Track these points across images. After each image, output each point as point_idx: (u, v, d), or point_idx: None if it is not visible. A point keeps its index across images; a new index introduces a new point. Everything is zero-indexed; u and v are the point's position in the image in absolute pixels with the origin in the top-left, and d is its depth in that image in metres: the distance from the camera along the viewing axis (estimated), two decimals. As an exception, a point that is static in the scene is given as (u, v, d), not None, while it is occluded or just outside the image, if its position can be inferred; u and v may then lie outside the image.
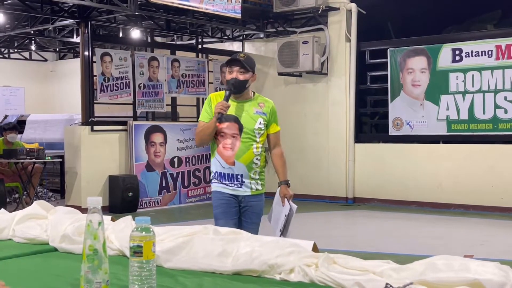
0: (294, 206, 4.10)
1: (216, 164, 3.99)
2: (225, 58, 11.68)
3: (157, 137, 10.07)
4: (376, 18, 10.47)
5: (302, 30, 10.85)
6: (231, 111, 3.91)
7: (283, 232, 4.02)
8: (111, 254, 2.10)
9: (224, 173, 3.96)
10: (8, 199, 9.47)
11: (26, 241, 2.52)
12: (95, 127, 9.38)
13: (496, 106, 9.19)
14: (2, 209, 2.81)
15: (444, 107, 9.62)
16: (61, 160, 10.11)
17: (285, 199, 4.08)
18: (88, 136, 9.32)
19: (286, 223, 4.04)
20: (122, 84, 9.77)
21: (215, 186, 4.01)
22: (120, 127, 9.76)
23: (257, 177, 4.00)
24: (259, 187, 4.02)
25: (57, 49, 14.44)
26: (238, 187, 3.96)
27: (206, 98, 12.40)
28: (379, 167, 10.18)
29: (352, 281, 1.77)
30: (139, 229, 1.68)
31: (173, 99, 10.99)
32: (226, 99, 3.87)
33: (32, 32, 11.28)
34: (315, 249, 2.11)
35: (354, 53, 10.40)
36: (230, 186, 3.96)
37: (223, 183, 3.97)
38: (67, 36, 12.04)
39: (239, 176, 3.95)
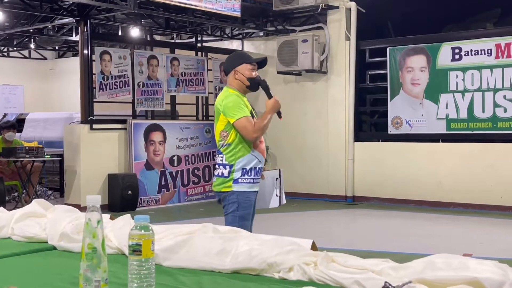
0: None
1: (252, 160, 4.00)
2: (224, 56, 11.65)
3: (157, 136, 10.07)
4: (375, 16, 10.47)
5: (301, 28, 10.84)
6: (248, 106, 4.05)
7: (280, 197, 4.11)
8: (109, 253, 2.10)
9: (259, 168, 4.04)
10: (7, 198, 9.47)
11: (25, 239, 2.53)
12: (95, 126, 9.38)
13: (496, 105, 9.19)
14: (1, 207, 2.81)
15: (443, 106, 9.62)
16: (60, 158, 10.11)
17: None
18: (88, 135, 9.32)
19: (280, 185, 4.14)
20: (121, 82, 9.76)
21: (246, 186, 3.99)
22: (119, 126, 9.75)
23: None
24: None
25: (57, 48, 14.43)
26: (259, 181, 4.08)
27: (205, 97, 12.07)
28: (378, 165, 10.18)
29: (351, 279, 1.77)
30: (138, 227, 1.68)
31: (173, 98, 10.99)
32: (271, 95, 4.09)
33: (31, 30, 11.27)
34: (313, 247, 2.11)
35: (354, 52, 10.39)
36: (257, 182, 4.04)
37: (255, 180, 4.00)
38: (66, 35, 12.03)
39: (263, 168, 4.13)
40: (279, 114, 4.07)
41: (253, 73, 4.08)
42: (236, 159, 3.97)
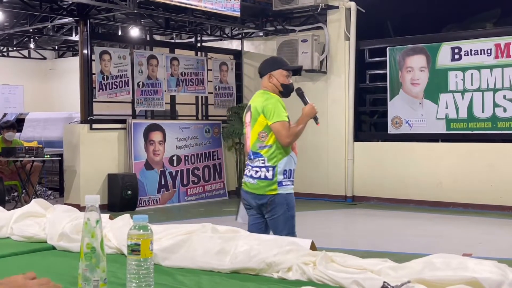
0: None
1: (290, 162, 4.06)
2: (224, 56, 11.70)
3: (156, 136, 10.07)
4: (375, 16, 10.46)
5: (301, 28, 10.84)
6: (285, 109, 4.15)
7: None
8: (109, 252, 2.10)
9: (294, 169, 4.12)
10: (7, 198, 9.47)
11: (24, 239, 2.52)
12: (94, 126, 9.38)
13: (495, 105, 9.19)
14: (1, 207, 2.80)
15: (443, 106, 9.62)
16: (60, 158, 10.11)
17: None
18: (87, 135, 9.32)
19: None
20: (121, 82, 9.76)
21: (289, 188, 4.07)
22: (119, 126, 9.75)
23: None
24: None
25: (56, 47, 14.43)
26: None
27: (205, 97, 12.07)
28: (378, 165, 10.18)
29: (350, 279, 1.77)
30: (136, 227, 1.67)
31: (172, 98, 10.99)
32: (307, 101, 4.23)
33: (31, 30, 11.27)
34: (313, 247, 2.11)
35: (353, 52, 10.39)
36: (293, 184, 4.13)
37: (293, 182, 4.09)
38: (66, 35, 12.03)
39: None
40: (315, 119, 4.21)
41: (288, 80, 4.15)
42: (278, 161, 4.01)
